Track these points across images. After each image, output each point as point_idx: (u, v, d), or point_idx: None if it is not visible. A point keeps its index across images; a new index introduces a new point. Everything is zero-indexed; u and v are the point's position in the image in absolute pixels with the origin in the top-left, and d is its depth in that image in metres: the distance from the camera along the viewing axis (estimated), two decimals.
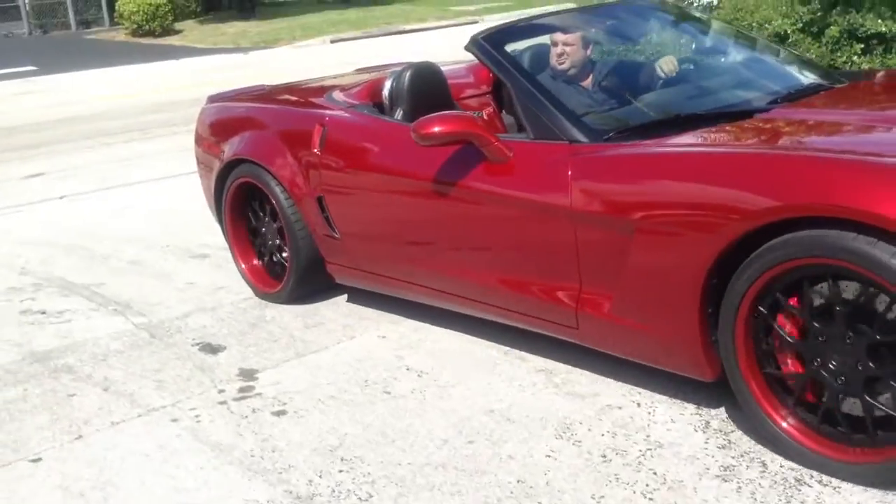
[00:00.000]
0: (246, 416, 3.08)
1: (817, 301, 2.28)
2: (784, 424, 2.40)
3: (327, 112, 3.82)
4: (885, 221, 2.05)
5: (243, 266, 4.28)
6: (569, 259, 2.81)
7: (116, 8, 23.33)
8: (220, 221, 4.41)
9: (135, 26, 22.36)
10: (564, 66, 3.47)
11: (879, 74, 3.93)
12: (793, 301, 2.33)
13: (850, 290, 2.22)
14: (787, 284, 2.31)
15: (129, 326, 4.08)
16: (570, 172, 2.78)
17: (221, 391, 3.31)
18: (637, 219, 2.58)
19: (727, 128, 2.83)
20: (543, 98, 3.02)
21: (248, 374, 3.44)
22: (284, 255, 4.06)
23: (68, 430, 3.10)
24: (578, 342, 2.95)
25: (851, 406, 2.28)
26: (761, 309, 2.37)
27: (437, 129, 3.00)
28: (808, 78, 3.36)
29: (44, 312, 4.39)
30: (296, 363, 3.49)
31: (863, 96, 3.25)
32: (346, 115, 3.77)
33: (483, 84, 4.19)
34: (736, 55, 3.62)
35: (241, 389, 3.30)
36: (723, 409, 2.74)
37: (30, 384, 3.53)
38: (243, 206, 4.24)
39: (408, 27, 21.67)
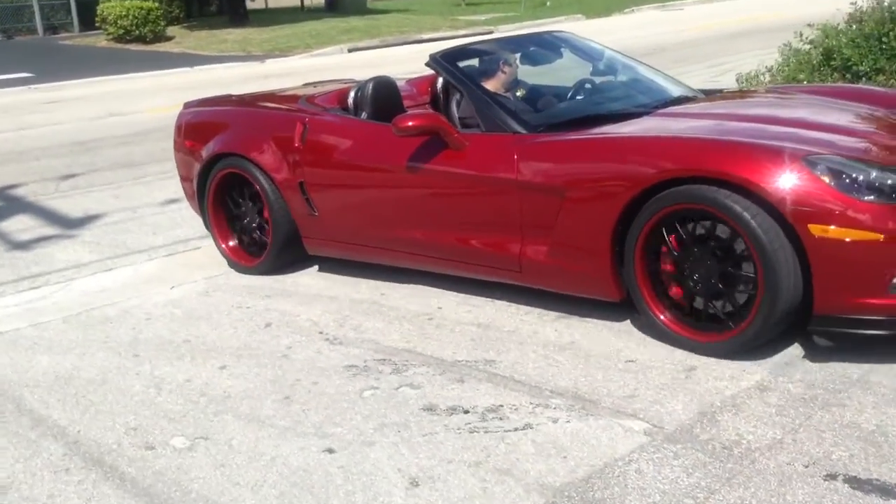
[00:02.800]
0: None
1: (686, 234, 3.34)
2: (663, 319, 3.46)
3: (307, 113, 4.72)
4: (739, 180, 3.11)
5: (223, 246, 5.07)
6: (514, 219, 3.79)
7: (98, 12, 21.71)
8: (203, 210, 5.16)
9: (121, 31, 20.84)
10: (507, 80, 4.41)
11: (732, 91, 5.24)
12: (672, 237, 3.38)
13: (704, 228, 3.30)
14: (668, 225, 3.35)
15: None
16: (515, 155, 3.78)
17: None
18: (566, 185, 3.59)
19: (625, 122, 3.94)
20: (492, 102, 4.08)
21: None
22: (263, 235, 4.90)
23: None
24: (521, 283, 3.94)
25: (706, 305, 3.36)
26: (650, 249, 3.42)
27: (413, 123, 3.94)
28: (678, 92, 4.56)
29: (465, 412, 3.14)
30: None
31: (718, 104, 4.40)
32: (324, 115, 4.68)
33: (423, 95, 5.23)
34: (627, 74, 4.77)
35: None
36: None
37: None
38: (224, 196, 5.03)
39: (424, 36, 20.73)
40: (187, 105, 5.48)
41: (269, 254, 4.80)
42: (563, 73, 4.72)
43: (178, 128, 5.33)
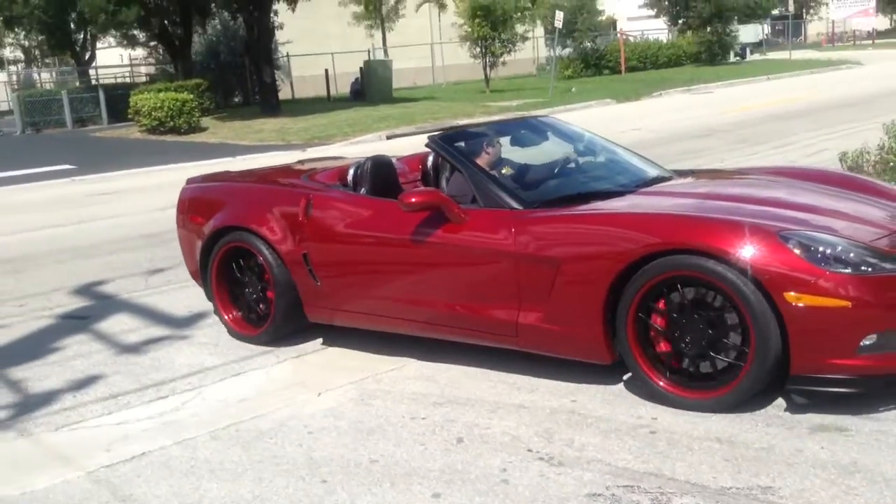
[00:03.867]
0: None
1: (675, 301, 3.65)
2: (661, 384, 3.72)
3: (311, 190, 4.95)
4: (720, 252, 3.45)
5: (226, 317, 5.26)
6: (512, 287, 4.03)
7: (131, 104, 21.69)
8: (206, 283, 5.35)
9: (155, 123, 20.73)
10: (490, 160, 4.66)
11: (704, 171, 5.60)
12: (660, 304, 3.69)
13: (691, 293, 3.61)
14: (656, 293, 3.66)
15: None
16: (513, 229, 4.06)
17: None
18: (560, 256, 3.87)
19: (611, 200, 4.26)
20: (491, 180, 4.36)
21: None
22: (266, 306, 5.10)
23: None
24: (517, 348, 4.14)
25: (696, 366, 3.67)
26: (640, 315, 3.72)
27: (417, 199, 4.19)
28: (655, 172, 4.90)
29: None
30: None
31: (697, 183, 4.77)
32: (328, 192, 4.94)
33: (414, 172, 5.52)
34: (607, 155, 5.11)
35: None
36: None
37: None
38: (227, 269, 5.21)
39: (460, 122, 20.62)
40: (190, 181, 5.70)
41: (273, 322, 5.02)
42: (549, 153, 5.05)
43: (182, 203, 5.56)
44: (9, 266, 7.68)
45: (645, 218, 3.82)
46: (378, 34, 37.67)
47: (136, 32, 36.08)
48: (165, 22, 25.25)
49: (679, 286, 3.58)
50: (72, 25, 36.02)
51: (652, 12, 47.43)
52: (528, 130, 5.18)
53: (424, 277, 4.35)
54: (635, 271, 3.63)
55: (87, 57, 36.04)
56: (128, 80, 32.00)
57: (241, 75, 30.54)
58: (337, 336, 4.97)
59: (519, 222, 4.05)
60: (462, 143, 4.68)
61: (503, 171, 4.64)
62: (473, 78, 41.12)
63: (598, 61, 34.99)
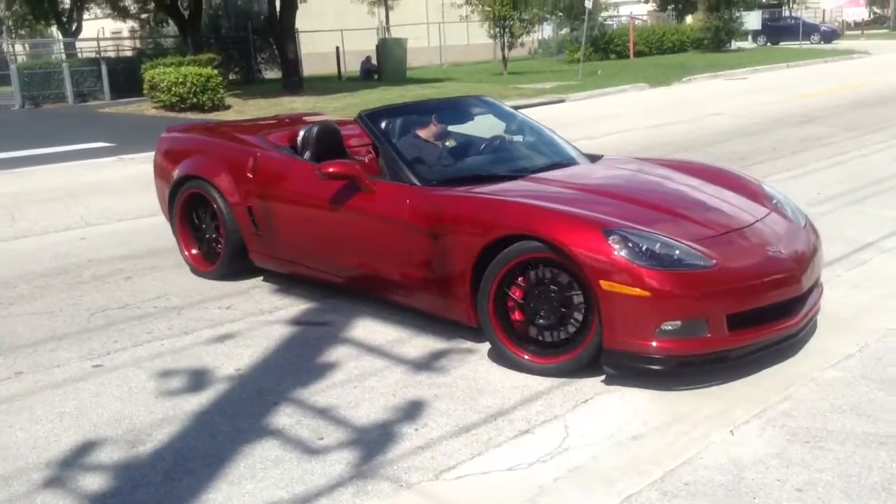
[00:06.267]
0: None
1: (531, 278, 4.14)
2: (514, 349, 4.21)
3: (260, 149, 5.63)
4: (553, 240, 3.95)
5: (186, 253, 6.05)
6: (404, 252, 4.62)
7: (147, 78, 20.39)
8: (171, 222, 6.14)
9: (175, 99, 19.46)
10: (436, 132, 5.28)
11: (609, 158, 5.68)
12: (519, 279, 4.17)
13: (544, 273, 4.11)
14: (515, 271, 4.15)
15: None
16: (408, 201, 4.64)
17: None
18: (439, 231, 4.43)
19: (495, 183, 4.75)
20: (398, 157, 4.89)
21: None
22: (218, 246, 5.82)
23: None
24: (408, 305, 4.80)
25: (545, 335, 4.16)
26: (503, 288, 4.19)
27: (332, 169, 4.80)
28: (559, 157, 5.39)
29: None
30: None
31: (578, 172, 5.08)
32: (272, 152, 5.58)
33: (367, 137, 5.48)
34: (533, 138, 5.65)
35: None
36: None
37: None
38: (189, 211, 5.97)
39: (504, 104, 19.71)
40: (169, 129, 6.56)
41: (221, 262, 5.78)
42: (479, 132, 5.54)
43: (157, 151, 6.38)
44: (154, 260, 6.70)
45: (503, 205, 4.32)
46: (379, 12, 36.51)
47: (126, 4, 34.55)
48: None
49: (531, 267, 4.11)
50: None
51: None
52: (456, 110, 5.75)
53: (339, 237, 4.99)
54: (498, 250, 4.16)
55: (73, 28, 34.27)
56: (128, 53, 30.29)
57: (243, 51, 29.27)
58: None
59: (413, 197, 4.64)
60: (385, 121, 5.17)
61: (447, 144, 5.23)
62: (472, 59, 40.33)
63: (606, 45, 34.37)
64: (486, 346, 4.45)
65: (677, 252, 3.89)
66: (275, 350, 4.58)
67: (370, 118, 5.11)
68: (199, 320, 5.07)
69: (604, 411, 3.74)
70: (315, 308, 5.25)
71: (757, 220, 4.43)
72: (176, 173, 5.95)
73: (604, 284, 3.82)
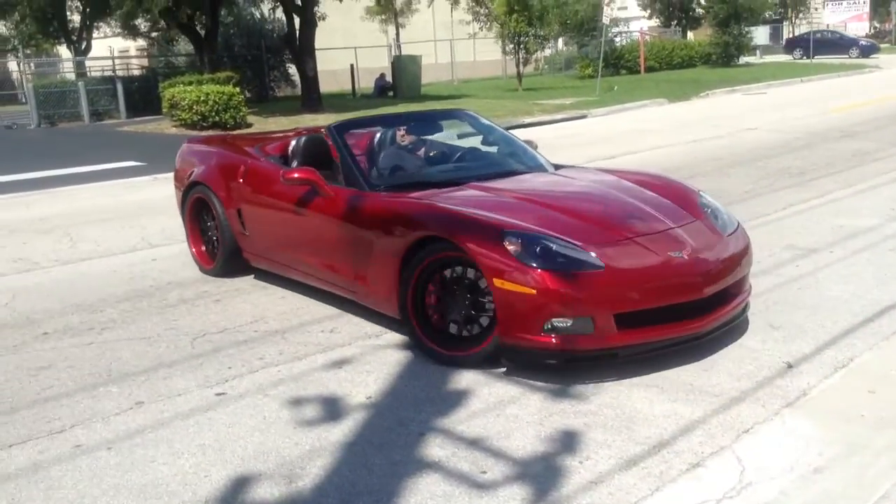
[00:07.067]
0: None
1: (447, 276, 4.51)
2: (428, 340, 4.59)
3: (251, 158, 6.26)
4: (458, 242, 4.32)
5: (194, 250, 6.74)
6: (352, 252, 5.05)
7: (167, 97, 20.29)
8: (183, 223, 6.85)
9: (197, 118, 19.34)
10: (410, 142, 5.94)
11: (568, 167, 6.03)
12: (436, 278, 4.55)
13: (457, 272, 4.47)
14: (433, 269, 4.53)
15: None
16: (357, 205, 5.08)
17: None
18: (372, 229, 4.87)
19: (444, 190, 5.06)
20: (353, 166, 5.40)
21: None
22: (216, 245, 6.45)
23: None
24: (359, 302, 5.16)
25: (457, 329, 4.51)
26: (421, 284, 4.59)
27: (295, 175, 5.28)
28: (516, 166, 5.75)
29: None
30: None
31: (521, 181, 5.41)
32: (258, 161, 6.21)
33: (363, 145, 6.01)
34: (500, 147, 6.10)
35: None
36: None
37: None
38: (198, 213, 6.65)
39: (526, 120, 19.93)
40: (189, 141, 7.31)
41: (218, 261, 6.40)
42: (464, 142, 6.12)
43: (177, 159, 7.12)
44: (235, 283, 6.51)
45: (428, 209, 4.68)
46: (390, 29, 36.52)
47: (137, 23, 34.47)
48: (196, 11, 23.70)
49: (447, 266, 4.46)
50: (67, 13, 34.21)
51: (645, 13, 47.16)
52: (416, 122, 6.31)
53: (305, 237, 5.49)
54: (420, 250, 4.51)
55: (83, 47, 34.16)
56: (137, 72, 30.15)
57: (256, 69, 29.20)
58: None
59: (361, 201, 5.07)
60: (349, 132, 5.71)
61: (409, 152, 5.79)
62: (480, 76, 40.33)
63: (616, 60, 34.40)
64: (624, 373, 4.29)
65: (570, 253, 4.17)
66: (399, 376, 4.41)
67: (336, 129, 5.64)
68: (307, 345, 4.91)
69: (771, 442, 3.58)
70: None
71: (672, 227, 4.61)
72: (187, 179, 6.65)
73: (497, 282, 4.14)
